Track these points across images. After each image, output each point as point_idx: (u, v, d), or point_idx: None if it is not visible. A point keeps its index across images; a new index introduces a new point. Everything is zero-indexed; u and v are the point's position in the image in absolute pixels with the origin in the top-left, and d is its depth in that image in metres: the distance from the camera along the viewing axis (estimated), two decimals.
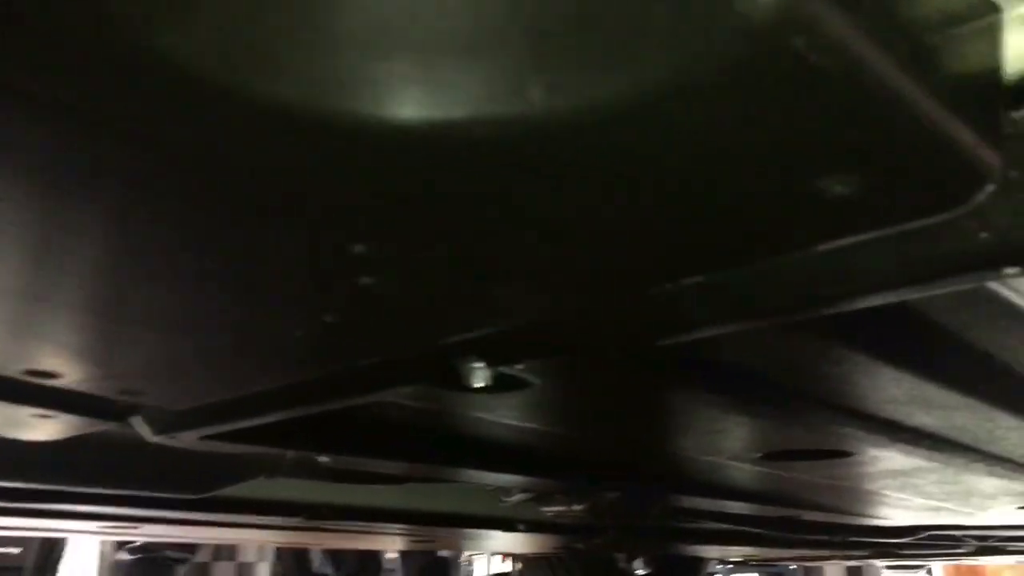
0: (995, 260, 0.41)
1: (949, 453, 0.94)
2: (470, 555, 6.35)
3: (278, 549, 4.66)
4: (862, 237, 0.37)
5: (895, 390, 0.76)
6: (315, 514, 1.59)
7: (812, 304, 0.46)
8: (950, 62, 0.32)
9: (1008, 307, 0.53)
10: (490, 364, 0.59)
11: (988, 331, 0.59)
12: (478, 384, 0.62)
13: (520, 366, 0.59)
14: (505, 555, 4.63)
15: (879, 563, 6.15)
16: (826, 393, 0.79)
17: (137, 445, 0.92)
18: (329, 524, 1.70)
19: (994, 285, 0.50)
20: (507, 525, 1.96)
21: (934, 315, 0.59)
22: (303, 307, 0.44)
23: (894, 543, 2.30)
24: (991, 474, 1.10)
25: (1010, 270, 0.41)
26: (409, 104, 0.26)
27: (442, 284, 0.43)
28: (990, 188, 0.33)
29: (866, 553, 2.80)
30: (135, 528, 1.76)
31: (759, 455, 0.95)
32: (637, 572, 3.84)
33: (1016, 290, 0.49)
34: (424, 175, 0.29)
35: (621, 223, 0.35)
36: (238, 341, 0.50)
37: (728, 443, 0.93)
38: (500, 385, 0.64)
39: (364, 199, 0.32)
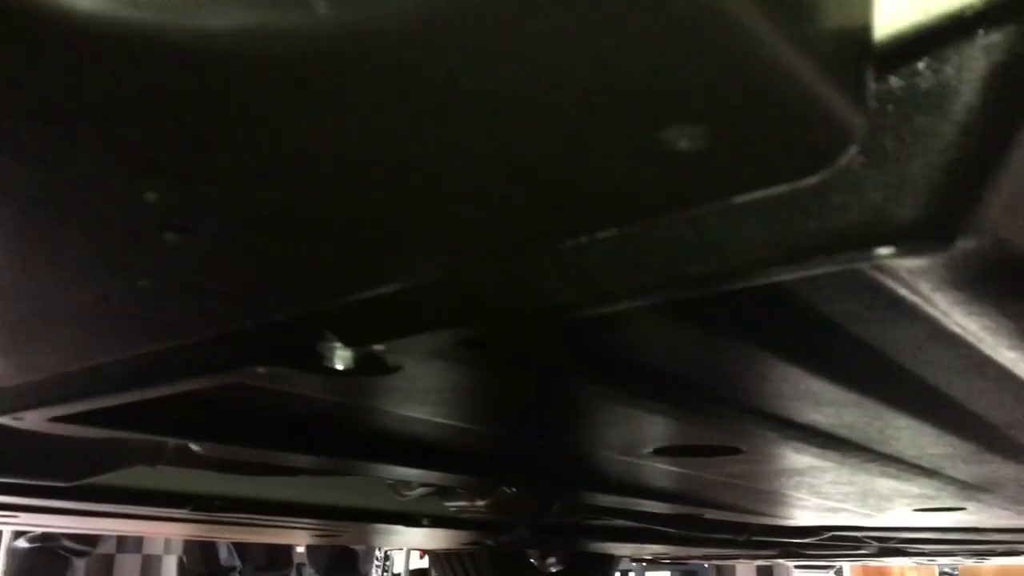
0: (869, 239, 0.38)
1: (842, 452, 0.92)
2: (387, 551, 6.28)
3: (185, 542, 4.55)
4: (719, 205, 0.34)
5: (783, 385, 0.73)
6: (204, 505, 1.52)
7: (680, 284, 0.42)
8: (815, 12, 0.29)
9: (892, 298, 0.50)
10: (348, 343, 0.55)
11: (874, 324, 0.57)
12: (338, 367, 0.58)
13: (380, 346, 0.54)
14: (424, 551, 4.58)
15: (789, 563, 6.28)
16: (714, 387, 0.76)
17: (7, 431, 0.85)
18: (222, 516, 1.63)
19: (877, 273, 0.47)
20: (410, 520, 1.92)
21: (822, 306, 0.56)
22: (111, 270, 0.39)
23: (798, 543, 2.32)
24: (885, 475, 1.09)
25: (883, 250, 0.38)
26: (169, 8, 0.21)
27: (263, 244, 0.38)
28: (853, 150, 0.30)
29: (773, 553, 2.82)
30: (13, 517, 1.66)
31: (650, 450, 0.93)
32: (550, 569, 3.84)
33: (898, 278, 0.46)
34: (195, 99, 0.25)
35: (453, 175, 0.31)
36: (51, 309, 0.45)
37: (619, 438, 0.90)
38: (368, 368, 0.59)
39: (138, 134, 0.27)
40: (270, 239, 0.37)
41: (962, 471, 1.08)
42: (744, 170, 0.31)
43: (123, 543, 5.15)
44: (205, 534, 2.54)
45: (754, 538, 2.07)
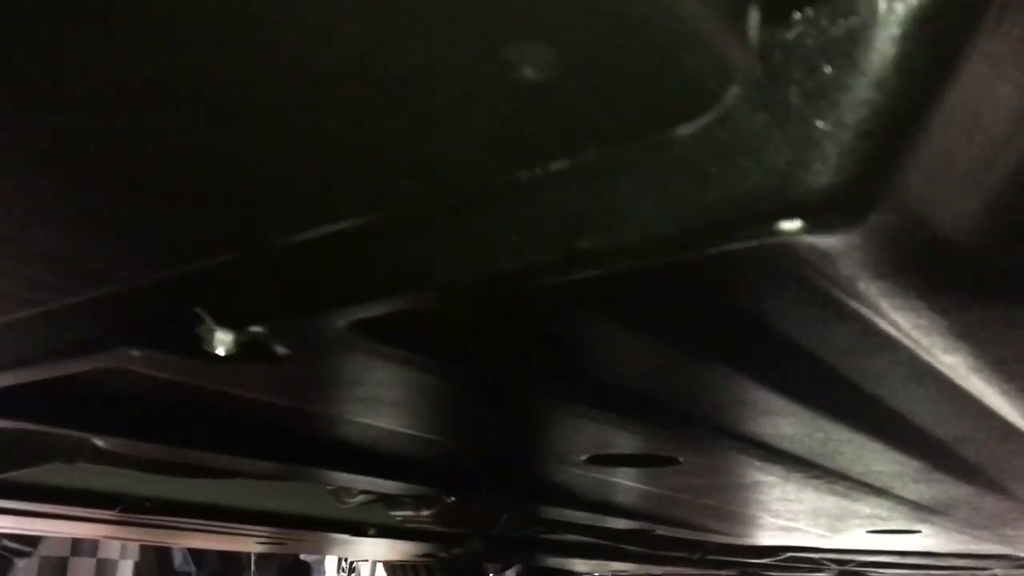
0: (773, 210, 0.33)
1: (784, 466, 0.88)
2: (353, 562, 6.18)
3: (140, 546, 4.46)
4: (590, 156, 0.29)
5: (718, 391, 0.69)
6: (134, 507, 1.45)
7: (575, 260, 0.37)
8: None
9: (816, 291, 0.46)
10: (223, 323, 0.50)
11: (803, 323, 0.52)
12: (219, 352, 0.53)
13: (259, 328, 0.49)
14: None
15: None
16: (646, 391, 0.72)
17: None
18: (155, 519, 1.57)
19: (797, 261, 0.42)
20: (356, 529, 1.85)
21: (747, 302, 0.52)
22: None
23: (756, 563, 2.27)
24: (833, 493, 1.05)
25: (789, 224, 0.34)
26: None
27: (93, 197, 0.33)
28: (735, 92, 0.26)
29: (733, 573, 2.78)
30: None
31: (583, 458, 0.88)
32: None
33: (818, 266, 0.41)
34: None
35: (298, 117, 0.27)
36: None
37: (551, 445, 0.86)
38: (252, 356, 0.54)
39: None
40: (105, 190, 0.32)
41: (912, 491, 1.04)
42: (605, 111, 0.26)
43: (78, 546, 5.04)
44: (138, 537, 2.46)
45: (709, 557, 2.02)
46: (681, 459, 0.88)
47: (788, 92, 0.31)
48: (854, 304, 0.45)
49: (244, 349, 0.52)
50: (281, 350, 0.54)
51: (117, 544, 5.18)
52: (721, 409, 0.75)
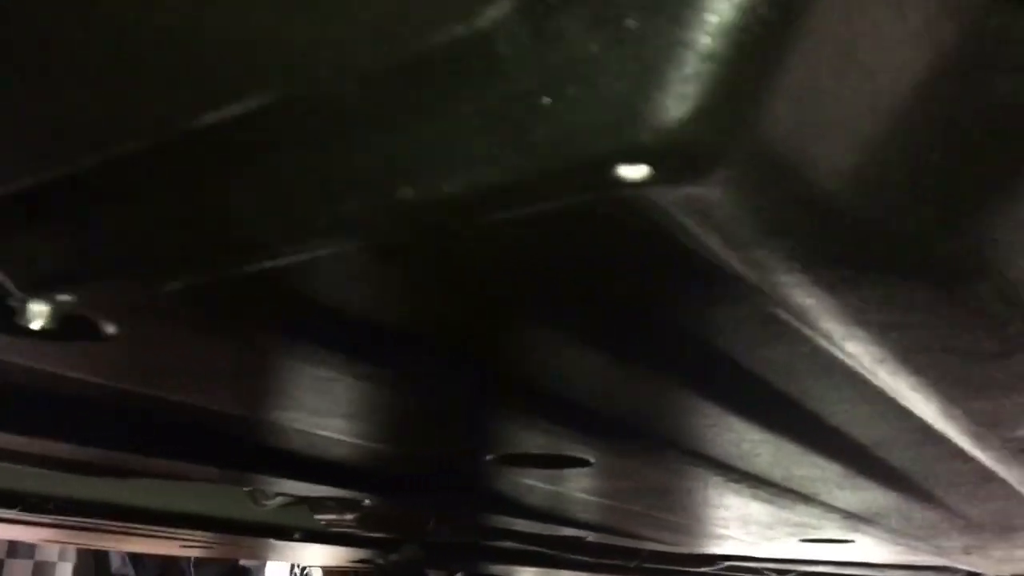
0: (612, 153, 0.28)
1: (700, 468, 0.83)
2: (306, 568, 6.06)
3: (77, 548, 4.34)
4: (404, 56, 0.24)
5: (614, 384, 0.64)
6: (36, 507, 1.38)
7: (393, 214, 0.32)
8: None
9: (705, 271, 0.41)
10: (25, 289, 0.44)
11: (695, 308, 0.48)
12: (34, 326, 0.47)
13: (67, 297, 0.43)
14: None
15: None
16: (549, 390, 0.66)
17: None
18: (60, 520, 1.49)
19: (677, 237, 0.37)
20: (280, 533, 1.78)
21: (627, 281, 0.46)
22: None
23: (694, 572, 2.23)
24: (758, 499, 1.00)
25: (630, 170, 0.29)
26: None
27: None
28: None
29: None
30: None
31: (491, 458, 0.82)
32: None
33: (699, 242, 0.36)
34: None
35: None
36: None
37: (456, 443, 0.80)
38: (73, 331, 0.48)
39: None
40: None
41: (839, 498, 1.00)
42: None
43: (14, 548, 4.90)
44: (46, 538, 2.36)
45: (646, 565, 1.98)
46: (592, 460, 0.83)
47: (626, 7, 0.26)
48: (738, 280, 0.40)
49: (62, 323, 0.46)
50: (108, 326, 0.48)
51: (56, 547, 5.06)
52: (625, 407, 0.70)
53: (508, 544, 2.07)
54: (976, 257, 0.34)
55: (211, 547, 2.09)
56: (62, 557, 5.11)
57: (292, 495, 1.45)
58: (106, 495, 1.46)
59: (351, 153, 0.31)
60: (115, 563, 4.20)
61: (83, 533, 1.71)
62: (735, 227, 0.33)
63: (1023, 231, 0.33)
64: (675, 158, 0.28)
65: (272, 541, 1.82)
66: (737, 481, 0.90)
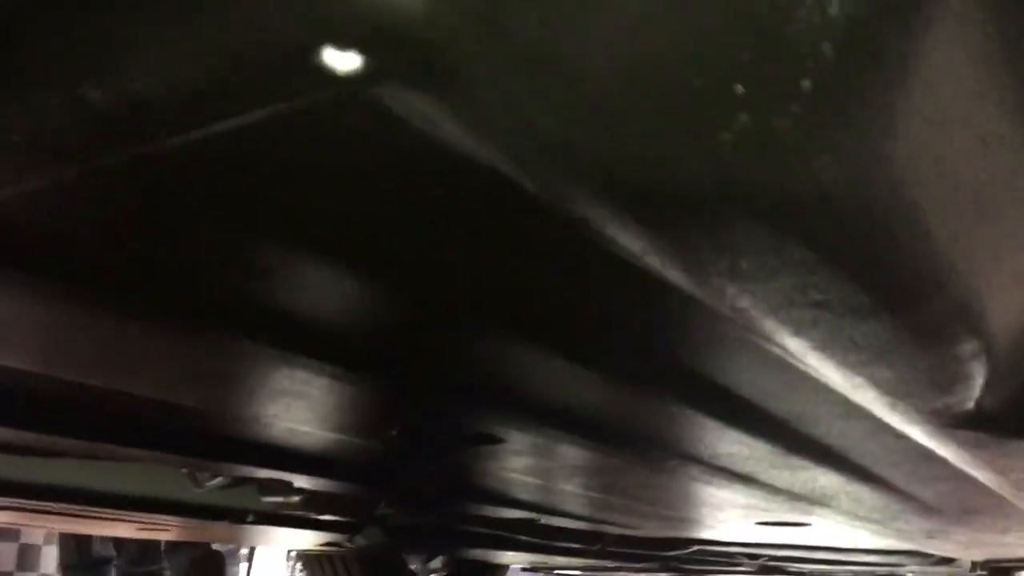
0: (314, 39, 0.23)
1: (615, 446, 0.78)
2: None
3: (60, 533, 4.32)
4: None
5: (522, 361, 0.59)
6: None
7: (74, 114, 0.26)
8: None
9: (613, 262, 0.36)
10: None
11: (607, 294, 0.42)
12: None
13: None
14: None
15: None
16: (457, 366, 0.61)
17: None
18: (4, 502, 1.44)
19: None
20: (233, 516, 1.73)
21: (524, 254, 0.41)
22: None
23: (665, 556, 2.19)
24: (693, 479, 0.96)
25: (336, 58, 0.23)
26: None
27: None
28: None
29: (652, 566, 2.70)
30: None
31: (394, 432, 0.77)
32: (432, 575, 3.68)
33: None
34: None
35: None
36: None
37: (350, 418, 0.75)
38: None
39: None
40: None
41: (779, 478, 0.95)
42: None
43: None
44: None
45: (610, 548, 1.93)
46: (504, 439, 0.78)
47: None
48: (611, 243, 0.35)
49: None
50: None
51: (41, 531, 5.04)
52: (534, 384, 0.65)
53: (476, 528, 2.03)
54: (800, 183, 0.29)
55: (168, 529, 2.05)
56: (47, 540, 5.09)
57: (228, 476, 1.40)
58: (55, 478, 1.41)
59: (34, 47, 0.26)
60: (96, 546, 4.18)
61: (16, 514, 1.66)
62: (505, 137, 0.28)
63: (851, 161, 0.28)
64: (395, 45, 0.23)
65: (228, 524, 1.77)
66: (665, 459, 0.84)
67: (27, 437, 0.97)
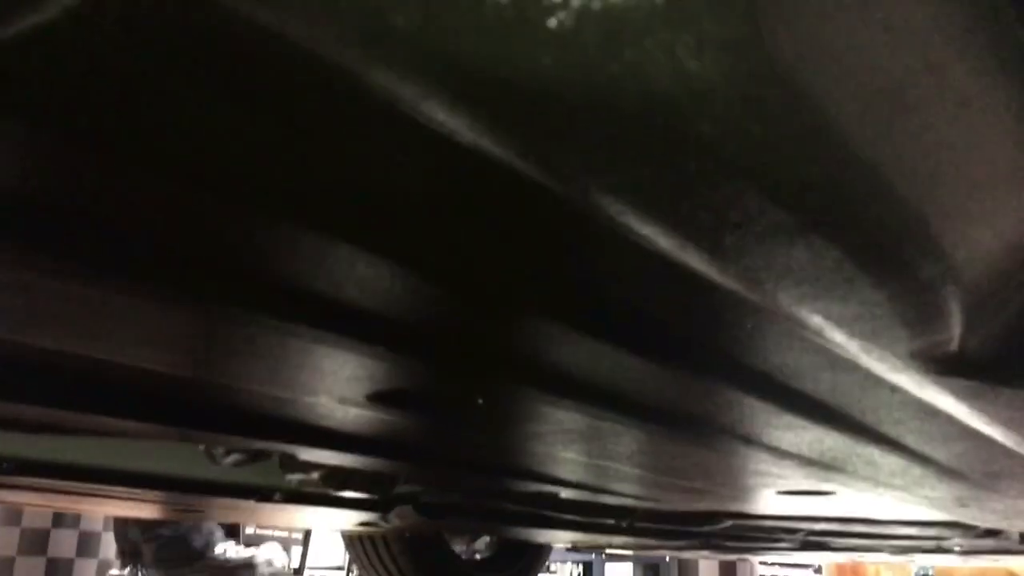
0: None
1: (598, 408, 0.75)
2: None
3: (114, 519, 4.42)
4: None
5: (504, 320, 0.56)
6: None
7: None
8: None
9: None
10: None
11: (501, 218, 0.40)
12: None
13: None
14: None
15: (754, 559, 6.13)
16: (423, 320, 0.59)
17: None
18: (19, 481, 1.46)
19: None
20: (262, 494, 1.74)
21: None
22: None
23: (700, 532, 2.15)
24: (697, 444, 0.92)
25: None
26: None
27: None
28: None
29: (691, 543, 2.66)
30: None
31: (364, 396, 0.75)
32: (475, 556, 3.69)
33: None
34: None
35: None
36: None
37: (316, 381, 0.73)
38: None
39: None
40: None
41: (786, 442, 0.91)
42: None
43: (59, 518, 5.00)
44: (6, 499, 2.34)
45: (640, 524, 1.90)
46: (481, 399, 0.76)
47: None
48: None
49: None
50: None
51: (100, 517, 5.16)
52: (516, 342, 0.62)
53: (506, 505, 2.01)
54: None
55: (200, 510, 2.06)
56: (106, 528, 5.21)
57: (244, 452, 1.40)
58: (71, 456, 1.43)
59: None
60: (132, 532, 4.28)
61: (35, 494, 1.68)
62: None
63: None
64: None
65: (256, 503, 1.78)
66: (656, 421, 0.81)
67: (33, 412, 0.97)
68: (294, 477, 1.58)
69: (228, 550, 3.73)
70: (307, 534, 7.10)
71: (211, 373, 0.77)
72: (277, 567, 3.83)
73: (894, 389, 0.69)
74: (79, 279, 0.52)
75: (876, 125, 0.33)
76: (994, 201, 0.40)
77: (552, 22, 0.23)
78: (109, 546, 5.09)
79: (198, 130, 0.33)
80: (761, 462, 1.02)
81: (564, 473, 1.28)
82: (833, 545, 2.55)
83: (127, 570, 3.74)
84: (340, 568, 5.64)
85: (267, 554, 3.80)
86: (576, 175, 0.31)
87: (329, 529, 3.40)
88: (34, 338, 0.70)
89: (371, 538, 3.13)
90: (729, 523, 1.98)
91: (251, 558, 3.72)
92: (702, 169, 0.31)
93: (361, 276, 0.50)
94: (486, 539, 3.66)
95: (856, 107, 0.32)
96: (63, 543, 5.23)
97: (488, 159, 0.32)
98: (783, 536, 2.27)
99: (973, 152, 0.38)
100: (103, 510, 2.64)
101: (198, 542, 3.65)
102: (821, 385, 0.70)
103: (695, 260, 0.40)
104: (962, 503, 1.33)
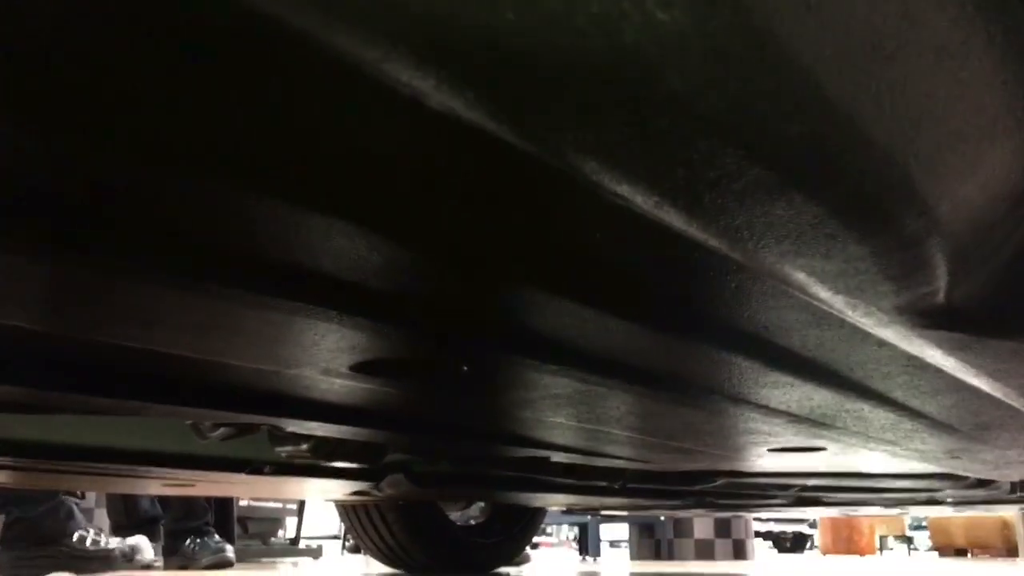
0: None
1: (591, 373, 0.75)
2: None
3: (107, 494, 4.40)
4: None
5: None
6: None
7: None
8: None
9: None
10: None
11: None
12: None
13: None
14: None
15: (748, 515, 6.18)
16: (399, 291, 0.58)
17: None
18: (9, 461, 1.45)
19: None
20: (251, 467, 1.74)
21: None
22: None
23: (693, 491, 2.17)
24: (681, 403, 0.92)
25: None
26: None
27: None
28: None
29: (685, 502, 2.68)
30: None
31: (347, 367, 0.75)
32: (469, 521, 3.71)
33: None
34: None
35: None
36: None
37: (303, 352, 0.72)
38: None
39: None
40: None
41: (772, 399, 0.91)
42: None
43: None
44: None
45: (632, 485, 1.91)
46: (466, 367, 0.75)
47: None
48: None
49: None
50: None
51: (92, 493, 5.15)
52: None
53: (497, 471, 2.02)
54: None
55: (193, 484, 2.06)
56: (98, 504, 5.19)
57: (231, 425, 1.40)
58: (64, 436, 1.42)
59: None
60: (144, 505, 4.26)
61: (29, 474, 1.68)
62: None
63: None
64: None
65: (248, 475, 1.78)
66: (641, 383, 0.81)
67: (18, 392, 0.96)
68: (283, 449, 1.58)
69: (88, 538, 3.47)
70: (301, 505, 7.10)
71: (190, 348, 0.76)
72: (140, 559, 3.60)
73: (881, 344, 0.69)
74: (50, 257, 0.51)
75: (855, 77, 0.32)
76: (976, 152, 0.39)
77: None
78: (104, 520, 5.08)
79: (156, 99, 0.32)
80: (750, 420, 1.02)
81: (554, 437, 1.28)
82: (826, 500, 2.58)
83: None
84: (336, 537, 5.67)
85: (129, 545, 3.55)
86: (547, 134, 0.30)
87: (323, 499, 3.40)
88: (9, 317, 0.69)
89: (365, 507, 3.14)
90: (721, 481, 1.99)
91: (112, 550, 3.47)
92: (675, 125, 0.30)
93: (337, 246, 0.49)
94: (480, 505, 3.67)
95: (834, 59, 0.31)
96: None
97: (459, 121, 0.31)
98: (776, 492, 2.29)
99: (954, 103, 0.37)
100: (107, 488, 2.63)
101: (51, 527, 3.38)
102: (808, 342, 0.69)
103: (674, 219, 0.39)
104: (953, 455, 1.34)
